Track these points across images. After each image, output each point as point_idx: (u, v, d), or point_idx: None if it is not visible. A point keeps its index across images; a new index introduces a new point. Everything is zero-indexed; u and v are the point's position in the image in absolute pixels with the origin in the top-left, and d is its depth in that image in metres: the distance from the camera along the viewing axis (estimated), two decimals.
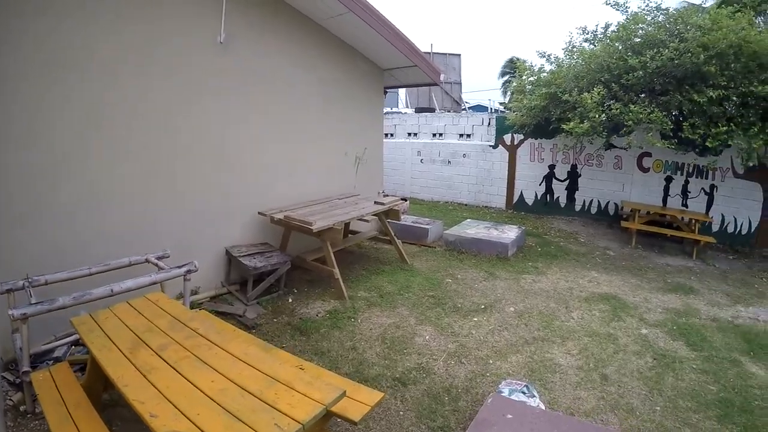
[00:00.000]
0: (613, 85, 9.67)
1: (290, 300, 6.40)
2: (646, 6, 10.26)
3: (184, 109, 5.80)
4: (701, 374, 5.31)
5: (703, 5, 10.68)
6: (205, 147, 6.10)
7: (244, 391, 2.60)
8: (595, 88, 9.55)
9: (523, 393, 4.10)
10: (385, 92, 10.58)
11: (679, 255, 10.43)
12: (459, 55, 23.03)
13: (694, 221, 10.80)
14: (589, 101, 9.32)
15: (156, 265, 4.85)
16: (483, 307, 6.53)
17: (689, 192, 12.08)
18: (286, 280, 6.70)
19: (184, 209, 5.93)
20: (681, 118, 9.51)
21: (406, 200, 11.08)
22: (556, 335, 5.86)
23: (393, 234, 8.15)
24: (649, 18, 10.14)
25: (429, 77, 9.51)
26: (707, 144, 8.89)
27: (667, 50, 8.90)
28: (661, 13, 10.08)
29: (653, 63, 8.97)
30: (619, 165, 12.46)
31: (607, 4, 10.69)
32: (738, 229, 11.99)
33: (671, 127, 9.34)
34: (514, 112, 12.58)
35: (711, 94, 8.63)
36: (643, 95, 9.75)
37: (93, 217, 5.01)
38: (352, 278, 7.28)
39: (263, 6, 6.68)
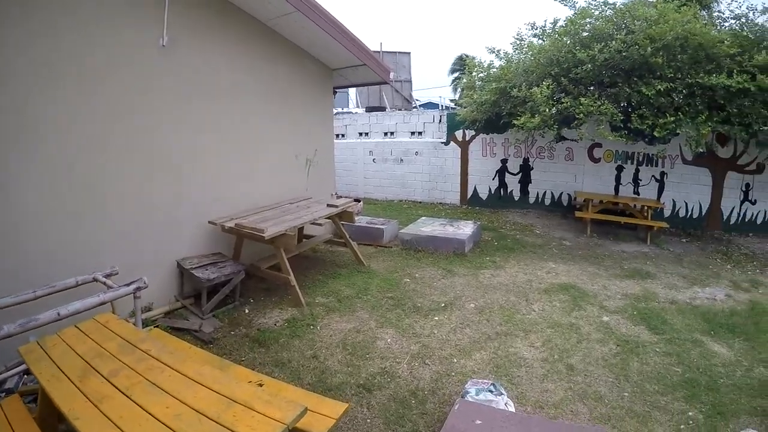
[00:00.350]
0: (563, 78, 9.80)
1: (247, 310, 6.22)
2: (594, 1, 10.41)
3: (126, 117, 5.53)
4: (665, 357, 5.39)
5: None
6: (150, 156, 5.84)
7: (200, 416, 2.47)
8: (544, 83, 9.65)
9: (491, 392, 4.04)
10: (335, 92, 10.46)
11: (634, 241, 10.63)
12: (408, 53, 22.98)
13: (646, 208, 11.06)
14: (539, 95, 9.42)
15: (104, 283, 4.64)
16: (443, 305, 6.49)
17: (640, 180, 12.36)
18: (241, 290, 6.52)
19: (131, 223, 5.67)
20: (630, 110, 9.68)
21: (359, 201, 11.01)
22: (519, 329, 5.87)
23: (348, 236, 8.03)
24: (596, 12, 10.30)
25: (379, 76, 9.42)
26: (655, 134, 9.07)
27: (614, 43, 9.07)
28: (608, 8, 10.24)
29: (601, 56, 9.14)
30: (570, 156, 12.64)
31: (555, 0, 10.81)
32: (689, 213, 12.33)
33: (621, 118, 9.48)
34: (464, 108, 12.62)
35: (658, 86, 8.83)
36: (592, 88, 9.92)
37: (36, 237, 4.76)
38: (308, 284, 7.14)
39: (208, 7, 6.47)
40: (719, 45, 8.97)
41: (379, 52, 20.31)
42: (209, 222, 6.63)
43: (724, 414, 4.39)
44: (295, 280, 6.37)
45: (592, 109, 9.16)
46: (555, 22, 11.00)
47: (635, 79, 9.35)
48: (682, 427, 4.17)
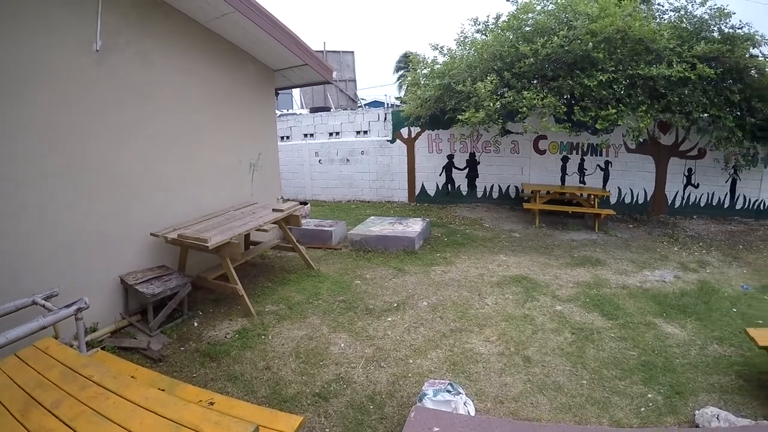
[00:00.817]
0: (506, 73, 9.91)
1: (196, 324, 6.03)
2: None
3: (57, 129, 5.27)
4: (620, 341, 5.49)
5: None
6: (86, 167, 5.61)
7: None
8: (488, 77, 9.71)
9: (448, 392, 4.01)
10: (277, 94, 10.32)
11: (582, 229, 10.87)
12: (352, 52, 22.83)
13: (592, 196, 11.28)
14: (483, 90, 9.49)
15: (44, 306, 4.45)
16: (396, 305, 6.46)
17: (586, 169, 12.67)
18: (189, 303, 6.34)
19: (71, 240, 5.43)
20: (573, 102, 9.85)
21: (306, 204, 10.91)
22: (473, 324, 5.89)
23: (295, 240, 7.93)
24: (539, 7, 10.46)
25: (321, 76, 9.31)
26: (597, 125, 9.28)
27: (556, 38, 9.23)
28: (551, 3, 10.40)
29: (544, 50, 9.34)
30: (516, 149, 12.87)
31: None
32: (635, 200, 12.73)
33: (564, 110, 9.64)
34: (409, 104, 12.65)
35: (600, 77, 9.02)
36: (535, 81, 10.06)
37: None
38: (258, 292, 7.01)
39: (143, 8, 6.23)
40: (658, 38, 9.26)
41: (322, 51, 20.23)
42: (152, 234, 6.40)
43: (683, 393, 4.49)
44: (243, 290, 6.22)
45: (535, 102, 9.30)
46: (498, 17, 11.15)
47: (577, 72, 9.55)
48: (642, 409, 4.24)
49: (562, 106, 9.61)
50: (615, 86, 9.37)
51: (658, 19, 10.75)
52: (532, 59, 9.48)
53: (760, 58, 10.31)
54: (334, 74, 9.78)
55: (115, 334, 5.77)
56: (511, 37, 10.30)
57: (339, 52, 22.01)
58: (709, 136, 10.80)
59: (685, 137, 11.99)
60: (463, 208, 13.02)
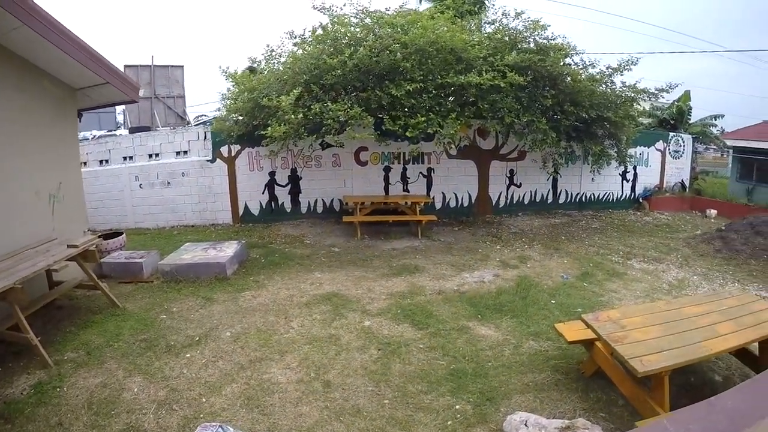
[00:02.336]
0: (313, 86, 9.99)
1: None
2: (354, 9, 10.99)
3: None
4: (429, 352, 5.62)
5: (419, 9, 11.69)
6: None
7: None
8: (294, 90, 9.77)
9: None
10: (80, 114, 9.66)
11: (406, 237, 11.23)
12: (182, 66, 21.92)
13: (414, 204, 11.67)
14: (284, 103, 9.51)
15: None
16: (197, 339, 6.30)
17: (409, 178, 13.24)
18: None
19: None
20: (382, 112, 10.15)
21: (121, 234, 10.43)
22: (275, 351, 5.87)
23: (96, 278, 7.49)
24: (355, 20, 10.68)
25: (125, 94, 8.75)
26: (408, 134, 9.56)
27: (362, 48, 9.51)
28: (367, 16, 10.67)
29: (351, 61, 9.49)
30: (338, 162, 13.14)
31: (314, 9, 11.17)
32: (460, 203, 13.56)
33: (372, 121, 9.87)
34: (222, 121, 12.46)
35: (408, 87, 9.30)
36: (344, 93, 10.18)
37: None
38: (59, 338, 6.56)
39: None
40: (470, 48, 9.87)
41: (150, 65, 19.49)
42: None
43: (494, 399, 4.64)
44: (36, 339, 5.81)
45: (341, 113, 9.42)
46: (314, 30, 11.22)
47: (387, 82, 9.81)
48: (449, 423, 4.33)
49: (369, 117, 9.81)
50: (425, 95, 9.79)
51: (482, 31, 11.49)
52: (339, 71, 9.63)
53: (573, 66, 11.59)
54: (141, 92, 9.36)
55: None
56: (323, 48, 10.42)
57: (168, 66, 21.27)
58: (525, 139, 11.79)
59: (504, 141, 12.89)
60: (287, 225, 12.99)
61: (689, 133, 19.74)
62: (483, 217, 13.75)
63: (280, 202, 13.49)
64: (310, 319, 6.78)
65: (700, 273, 9.43)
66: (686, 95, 21.71)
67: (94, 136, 16.36)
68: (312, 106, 9.69)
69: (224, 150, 13.38)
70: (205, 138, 13.63)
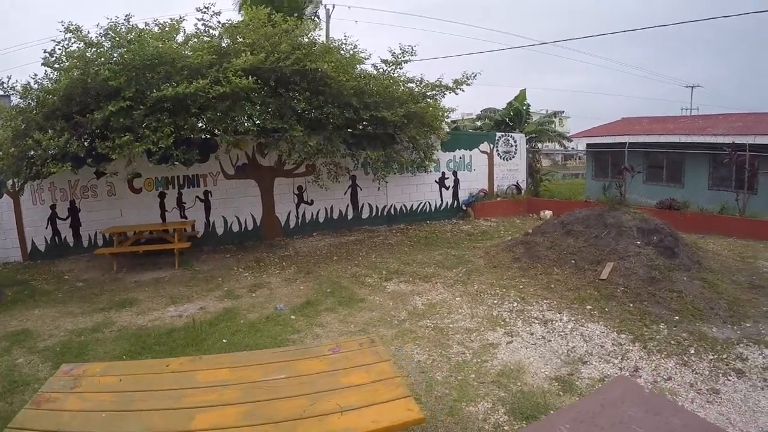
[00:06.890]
0: (31, 114, 9.73)
1: None
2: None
3: None
4: None
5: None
6: None
7: None
8: (9, 123, 9.59)
9: None
10: None
11: (165, 268, 10.67)
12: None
13: (174, 231, 11.23)
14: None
15: None
16: None
17: (185, 203, 12.73)
18: None
19: None
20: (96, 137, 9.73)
21: None
22: None
23: None
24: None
25: None
26: (115, 155, 9.10)
27: (72, 71, 9.22)
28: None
29: (61, 85, 9.13)
30: (113, 192, 12.57)
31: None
32: (244, 227, 12.93)
33: (86, 147, 9.55)
34: None
35: (111, 108, 8.86)
36: (56, 121, 9.57)
37: None
38: None
39: None
40: (193, 56, 9.50)
41: None
42: None
43: None
44: None
45: (50, 143, 8.90)
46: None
47: (101, 104, 9.22)
48: None
49: (74, 143, 9.18)
50: (135, 113, 9.16)
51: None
52: (54, 97, 9.23)
53: (334, 64, 10.69)
54: None
55: None
56: (55, 76, 9.84)
57: None
58: (279, 149, 11.22)
59: (288, 156, 11.77)
60: (70, 261, 12.21)
61: (524, 133, 19.08)
62: (271, 240, 13.14)
63: (63, 237, 12.68)
64: None
65: (471, 293, 8.29)
66: (522, 94, 21.60)
67: None
68: (32, 137, 9.05)
69: (9, 184, 12.34)
70: None
